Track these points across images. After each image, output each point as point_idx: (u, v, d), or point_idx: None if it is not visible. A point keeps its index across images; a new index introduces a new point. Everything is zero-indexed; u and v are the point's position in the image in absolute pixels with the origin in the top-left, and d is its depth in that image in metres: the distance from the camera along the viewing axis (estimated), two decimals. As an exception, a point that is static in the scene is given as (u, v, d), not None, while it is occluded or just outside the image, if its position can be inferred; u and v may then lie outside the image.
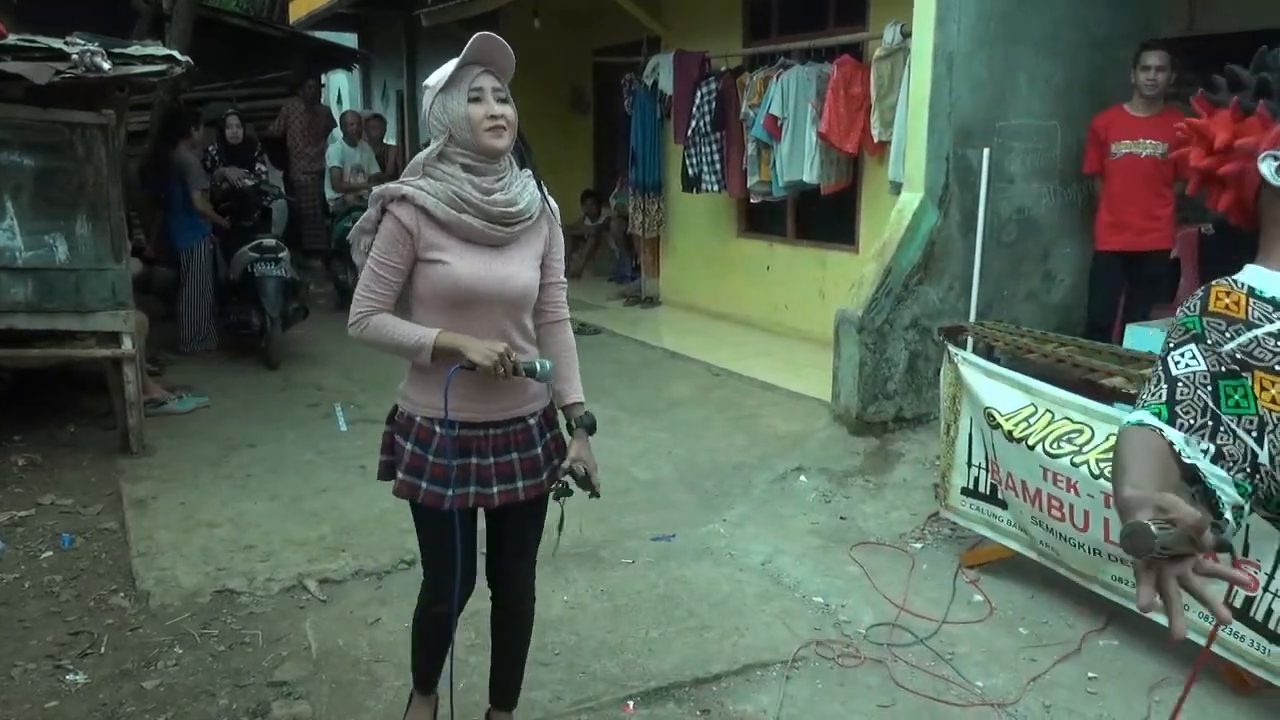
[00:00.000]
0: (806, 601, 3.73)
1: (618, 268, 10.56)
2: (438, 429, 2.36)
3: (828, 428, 5.43)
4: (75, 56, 4.58)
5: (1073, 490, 3.32)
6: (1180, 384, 1.42)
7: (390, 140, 12.23)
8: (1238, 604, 2.94)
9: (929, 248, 5.33)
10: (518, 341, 2.40)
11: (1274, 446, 1.37)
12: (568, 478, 2.47)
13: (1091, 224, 5.47)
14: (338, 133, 9.80)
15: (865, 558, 4.04)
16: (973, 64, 5.30)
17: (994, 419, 3.64)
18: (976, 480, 3.93)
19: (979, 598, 3.72)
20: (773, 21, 7.86)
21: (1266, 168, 1.46)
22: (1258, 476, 1.37)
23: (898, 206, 5.55)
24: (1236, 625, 2.95)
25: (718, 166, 7.80)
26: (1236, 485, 1.35)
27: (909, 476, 4.80)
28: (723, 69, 7.86)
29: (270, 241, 7.04)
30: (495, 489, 2.41)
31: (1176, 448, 1.33)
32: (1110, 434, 3.30)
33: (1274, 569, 2.83)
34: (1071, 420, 3.43)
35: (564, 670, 3.22)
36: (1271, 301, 1.45)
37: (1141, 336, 4.27)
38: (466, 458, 2.39)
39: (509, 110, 2.31)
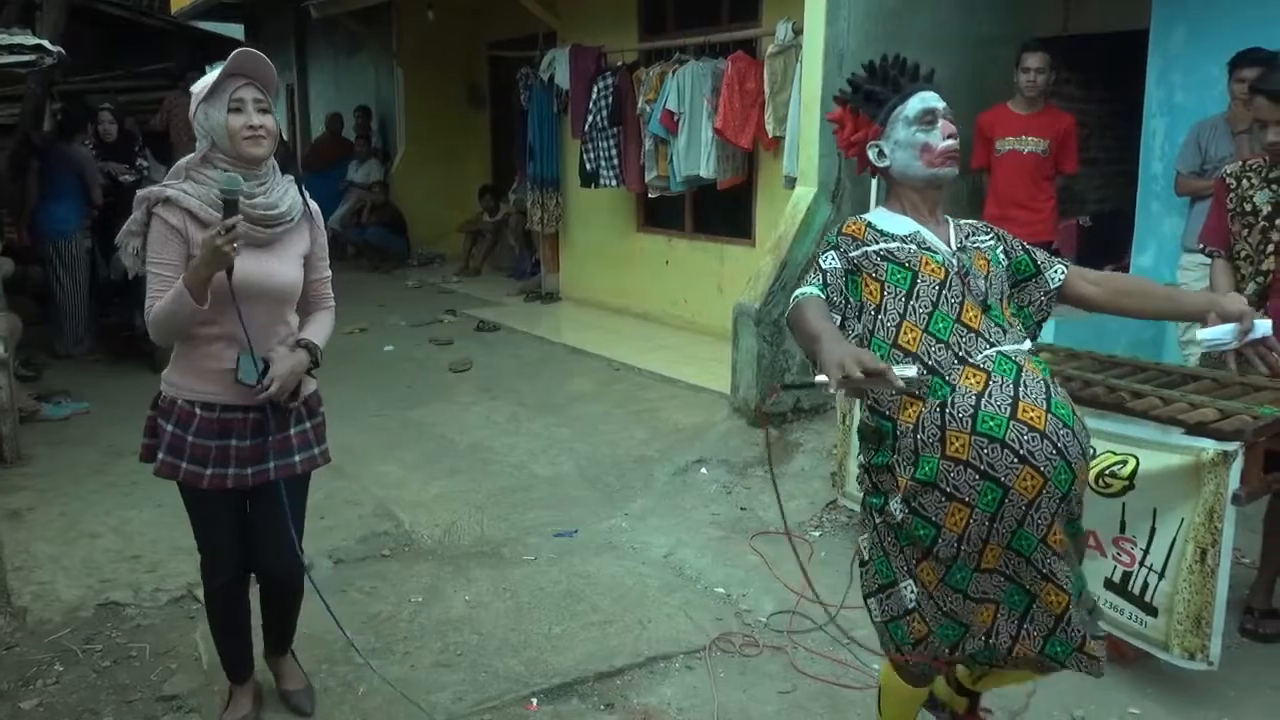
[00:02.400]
0: (708, 592, 3.77)
1: (517, 264, 10.49)
2: (198, 411, 2.52)
3: (727, 420, 5.49)
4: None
5: (962, 475, 3.41)
6: (828, 274, 2.24)
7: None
8: (1117, 579, 3.07)
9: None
10: (280, 333, 2.59)
11: (866, 325, 2.21)
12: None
13: (977, 217, 5.63)
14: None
15: (765, 547, 4.10)
16: (863, 60, 5.39)
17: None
18: (871, 468, 4.01)
19: (875, 582, 3.80)
20: (668, 17, 7.90)
21: (871, 154, 2.32)
22: (857, 340, 2.20)
23: (792, 201, 5.64)
24: (1115, 598, 3.08)
25: (615, 161, 7.81)
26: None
27: (807, 466, 4.89)
28: (619, 64, 7.86)
29: (153, 239, 6.78)
30: (249, 470, 2.57)
31: (822, 299, 2.19)
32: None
33: (1148, 545, 2.97)
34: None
35: (466, 670, 3.18)
36: (881, 232, 2.25)
37: (1025, 325, 4.42)
38: (226, 439, 2.54)
39: (269, 120, 2.45)
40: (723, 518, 4.45)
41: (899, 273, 2.19)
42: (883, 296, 2.19)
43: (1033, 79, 5.23)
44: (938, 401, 2.09)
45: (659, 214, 8.20)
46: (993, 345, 2.13)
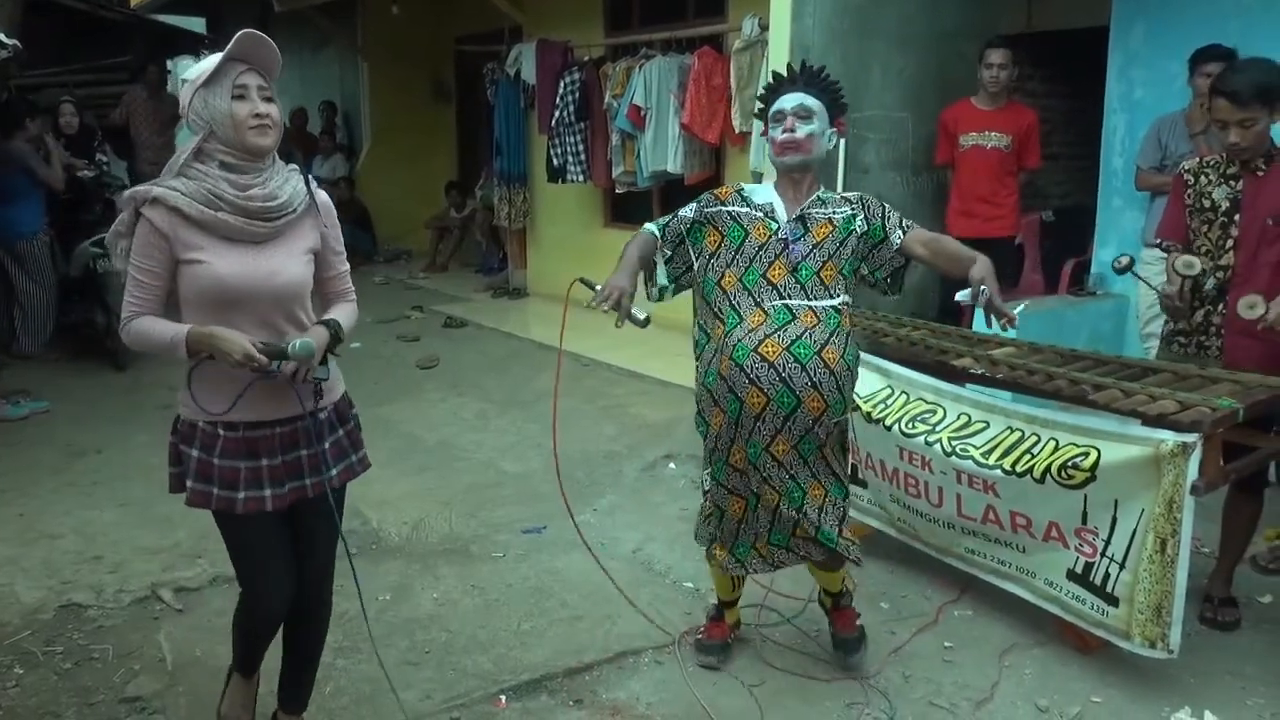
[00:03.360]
0: (677, 587, 3.77)
1: (484, 259, 10.45)
2: (220, 431, 2.31)
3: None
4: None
5: (927, 468, 3.45)
6: (675, 219, 2.97)
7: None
8: (1079, 570, 3.11)
9: (790, 236, 5.44)
10: (295, 333, 2.35)
11: (701, 265, 2.94)
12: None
13: (942, 212, 5.69)
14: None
15: (734, 541, 4.10)
16: (828, 57, 5.42)
17: (854, 401, 3.75)
18: (838, 462, 4.05)
19: (842, 575, 3.83)
20: (634, 12, 7.89)
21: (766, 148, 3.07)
22: (686, 277, 3.00)
23: (759, 196, 5.64)
24: (1077, 589, 3.12)
25: (582, 157, 7.80)
26: (667, 274, 2.99)
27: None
28: (585, 59, 7.85)
29: (113, 236, 6.68)
30: (287, 487, 2.38)
31: (655, 236, 2.96)
32: (960, 413, 3.45)
33: (1110, 536, 3.01)
34: (925, 401, 3.57)
35: (434, 668, 3.17)
36: (743, 197, 2.94)
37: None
38: (256, 459, 2.33)
39: (274, 109, 2.28)
40: (691, 512, 4.43)
41: (737, 231, 2.89)
42: (720, 247, 2.90)
43: (996, 75, 5.28)
44: (725, 330, 2.82)
45: (626, 209, 8.20)
46: (782, 298, 2.79)
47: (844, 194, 2.99)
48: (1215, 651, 3.27)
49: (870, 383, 3.73)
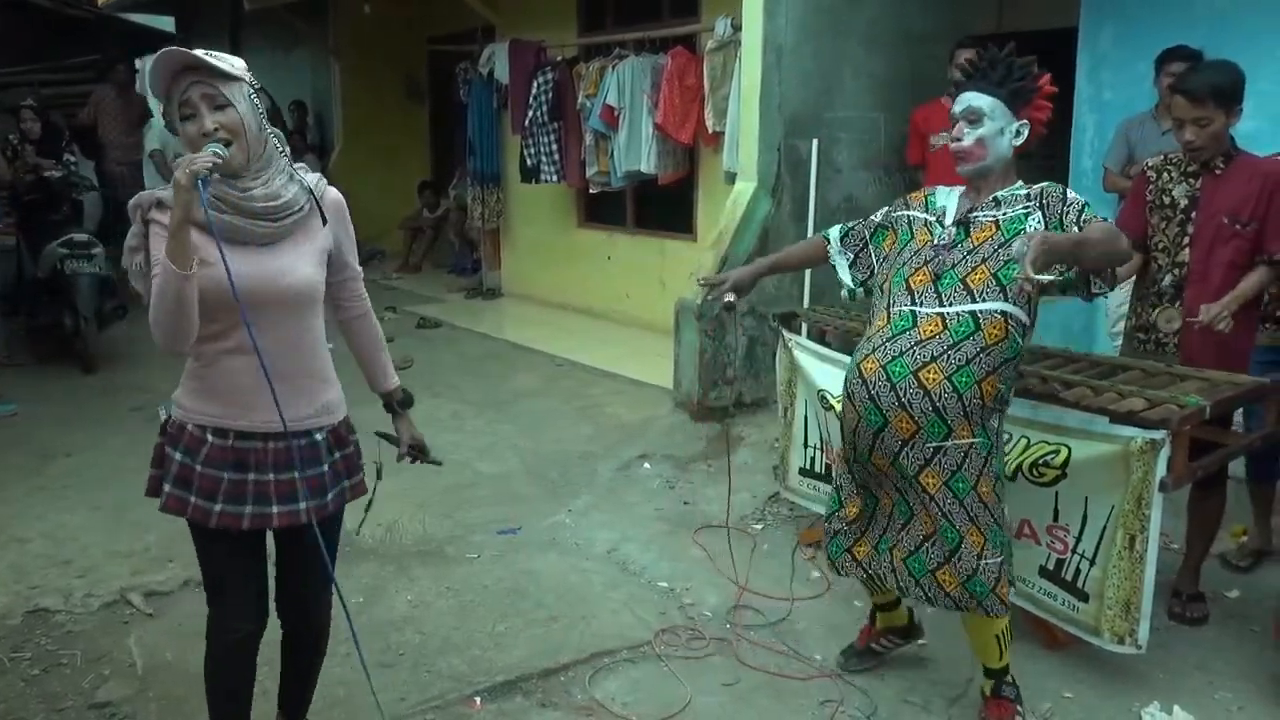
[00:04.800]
0: (652, 587, 3.78)
1: (457, 260, 10.41)
2: (209, 437, 2.21)
3: (670, 414, 5.51)
4: None
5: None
6: (860, 224, 3.02)
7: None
8: (1050, 566, 3.14)
9: (763, 236, 5.47)
10: (306, 342, 2.28)
11: (877, 266, 2.89)
12: (390, 458, 2.58)
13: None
14: (157, 120, 9.27)
15: (709, 541, 4.12)
16: (800, 57, 5.46)
17: (827, 401, 3.77)
18: (813, 460, 4.06)
19: (817, 574, 3.85)
20: (608, 12, 7.89)
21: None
22: (871, 281, 2.92)
23: (732, 196, 5.67)
24: (1048, 585, 3.15)
25: (556, 157, 7.78)
26: (852, 278, 3.00)
27: (750, 460, 4.92)
28: (559, 59, 7.84)
29: (82, 237, 6.59)
30: (275, 509, 2.23)
31: (830, 244, 3.05)
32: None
33: (1080, 533, 3.04)
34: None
35: (408, 670, 3.16)
36: (928, 202, 2.83)
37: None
38: (244, 473, 2.22)
39: (228, 117, 2.11)
40: (666, 512, 4.47)
41: (906, 235, 2.81)
42: (891, 248, 2.85)
43: (967, 75, 5.31)
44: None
45: (600, 209, 8.19)
46: (913, 305, 2.64)
47: (1029, 189, 2.70)
48: (1184, 646, 3.31)
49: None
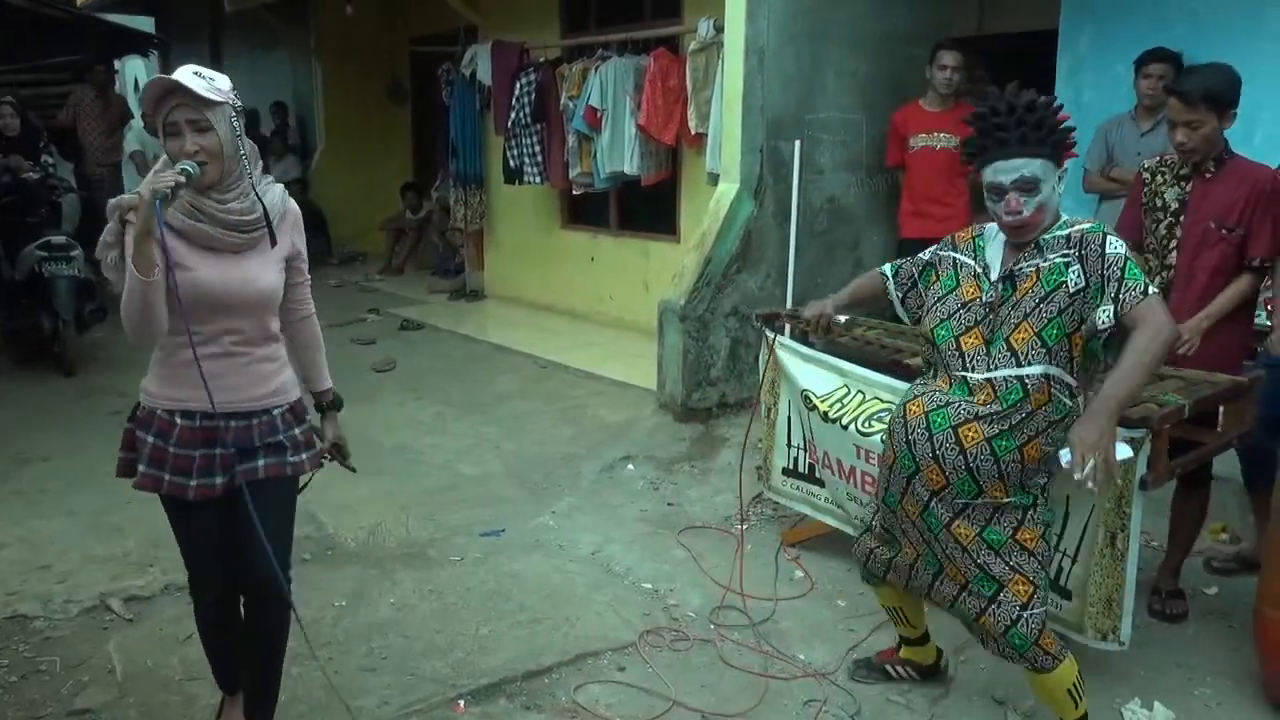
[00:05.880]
0: (636, 588, 3.77)
1: (440, 262, 10.37)
2: (178, 420, 2.40)
3: (654, 416, 5.51)
4: None
5: (883, 466, 3.47)
6: (908, 261, 2.93)
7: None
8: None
9: (746, 237, 5.48)
10: (259, 343, 2.47)
11: (929, 308, 2.72)
12: (326, 459, 2.70)
13: (896, 213, 5.75)
14: (137, 122, 9.21)
15: (692, 542, 4.12)
16: (782, 58, 5.47)
17: (810, 401, 3.78)
18: (796, 460, 4.06)
19: (800, 574, 3.86)
20: (590, 13, 7.88)
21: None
22: (920, 316, 2.81)
23: (715, 197, 5.67)
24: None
25: (539, 158, 7.77)
26: (908, 315, 2.97)
27: (733, 460, 4.92)
28: (542, 60, 7.83)
29: (60, 239, 6.54)
30: (237, 469, 2.42)
31: (887, 280, 2.98)
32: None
33: (1062, 530, 3.05)
34: (881, 399, 3.59)
35: (391, 674, 3.14)
36: (975, 246, 2.72)
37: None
38: (211, 447, 2.42)
39: (208, 140, 2.29)
40: (650, 513, 4.47)
41: (950, 279, 2.71)
42: (935, 288, 2.74)
43: (948, 76, 5.34)
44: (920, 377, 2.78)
45: (584, 211, 8.19)
46: (964, 370, 2.55)
47: (1068, 231, 2.54)
48: (1164, 643, 3.33)
49: (827, 382, 3.75)
